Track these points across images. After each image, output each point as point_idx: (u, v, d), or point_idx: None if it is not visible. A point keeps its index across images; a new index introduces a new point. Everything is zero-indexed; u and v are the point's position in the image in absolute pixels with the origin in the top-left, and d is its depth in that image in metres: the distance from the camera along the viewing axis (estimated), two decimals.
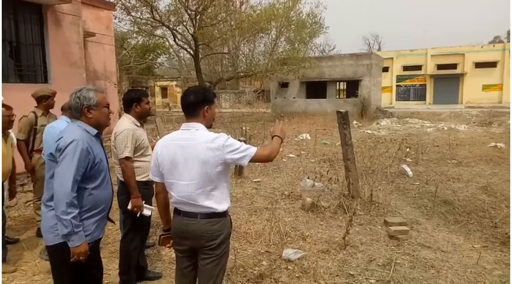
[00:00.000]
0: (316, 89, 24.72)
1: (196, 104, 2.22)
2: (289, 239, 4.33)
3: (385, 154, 8.51)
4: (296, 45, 21.05)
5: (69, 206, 2.06)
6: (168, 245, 2.39)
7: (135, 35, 21.46)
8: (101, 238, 2.43)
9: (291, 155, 9.98)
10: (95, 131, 2.29)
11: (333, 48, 51.66)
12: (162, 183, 2.27)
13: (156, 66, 30.43)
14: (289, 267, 3.65)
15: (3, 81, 5.27)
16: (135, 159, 3.13)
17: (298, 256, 3.80)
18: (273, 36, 20.68)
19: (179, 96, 21.67)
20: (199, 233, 2.18)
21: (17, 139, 4.16)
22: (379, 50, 52.71)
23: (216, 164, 2.13)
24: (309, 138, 13.50)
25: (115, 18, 17.31)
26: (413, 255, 3.88)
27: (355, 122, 18.75)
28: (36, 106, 4.29)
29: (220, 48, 21.87)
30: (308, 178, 6.72)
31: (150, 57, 24.26)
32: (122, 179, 3.17)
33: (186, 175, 2.15)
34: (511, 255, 3.86)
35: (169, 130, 12.89)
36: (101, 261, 2.50)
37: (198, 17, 17.98)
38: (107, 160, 2.41)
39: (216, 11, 18.40)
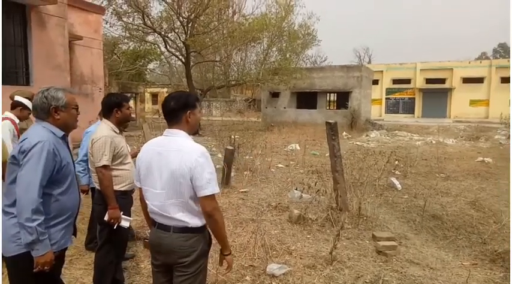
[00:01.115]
0: (306, 100, 24.76)
1: (178, 110, 2.11)
2: (274, 253, 4.18)
3: (374, 166, 8.44)
4: (288, 55, 21.11)
5: (34, 212, 1.92)
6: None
7: (126, 41, 21.33)
8: (67, 247, 2.29)
9: (280, 165, 9.87)
10: (61, 133, 2.16)
11: (325, 60, 52.16)
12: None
13: (146, 73, 30.20)
14: (273, 283, 3.51)
15: None
16: (114, 167, 2.97)
17: (282, 272, 3.66)
18: (265, 45, 20.71)
19: None
20: (171, 248, 2.05)
21: None
22: (369, 62, 53.36)
23: (186, 177, 2.00)
24: (299, 148, 13.44)
25: (106, 23, 17.17)
26: (401, 272, 3.77)
27: (344, 133, 18.77)
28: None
29: (212, 56, 21.81)
30: (296, 189, 6.60)
31: (140, 63, 24.07)
32: (98, 188, 3.00)
33: (159, 184, 2.04)
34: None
35: (157, 136, 12.68)
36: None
37: (190, 25, 17.91)
38: (74, 164, 2.28)
39: (209, 19, 18.37)
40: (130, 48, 22.84)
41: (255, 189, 7.09)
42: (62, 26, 5.83)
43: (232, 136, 9.38)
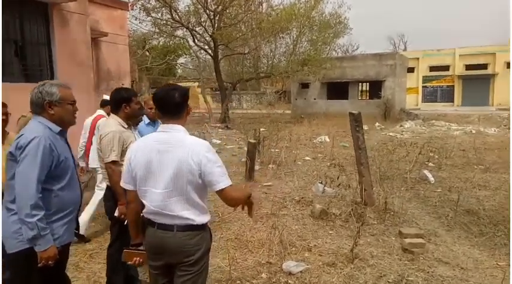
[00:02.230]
0: (337, 90, 24.16)
1: (183, 104, 2.03)
2: (293, 249, 4.05)
3: (405, 158, 8.06)
4: (319, 45, 20.65)
5: (33, 208, 1.92)
6: (131, 262, 2.14)
7: (156, 36, 21.65)
8: (70, 242, 2.30)
9: (307, 158, 9.65)
10: (57, 128, 2.13)
11: (357, 48, 50.74)
12: (134, 191, 2.06)
13: (177, 67, 30.60)
14: (289, 281, 3.38)
15: (7, 81, 5.25)
16: (122, 162, 2.93)
17: (300, 269, 3.52)
18: (294, 36, 20.33)
19: (200, 97, 21.60)
20: (175, 247, 1.97)
21: None
22: (404, 49, 51.22)
23: (194, 173, 1.91)
24: (328, 140, 13.12)
25: (135, 19, 17.47)
26: (428, 272, 3.52)
27: (377, 124, 18.18)
28: None
29: (241, 48, 21.67)
30: (321, 183, 6.39)
31: (170, 58, 24.38)
32: (108, 184, 2.98)
33: (162, 183, 1.94)
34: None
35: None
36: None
37: (217, 18, 17.87)
38: (74, 160, 2.25)
39: (235, 10, 18.23)
40: (161, 43, 23.18)
41: (279, 182, 6.95)
42: (84, 23, 5.92)
43: (257, 129, 9.21)
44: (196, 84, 37.59)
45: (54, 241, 2.06)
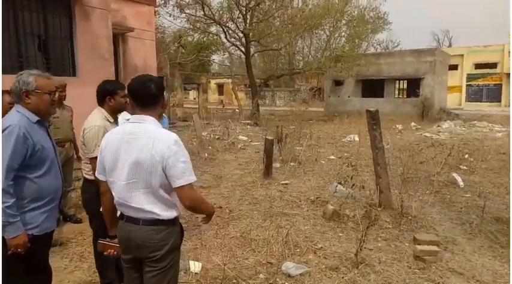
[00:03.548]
0: (373, 88, 23.39)
1: (158, 96, 1.99)
2: (298, 250, 3.91)
3: (434, 159, 7.62)
4: (355, 41, 20.06)
5: (3, 195, 1.94)
6: (107, 252, 2.15)
7: (191, 32, 21.96)
8: (53, 231, 2.32)
9: (332, 157, 9.38)
10: (35, 118, 2.15)
11: (397, 45, 48.75)
12: (106, 182, 2.04)
13: (210, 63, 30.92)
14: (286, 283, 3.25)
15: None
16: None
17: (299, 272, 3.38)
18: (327, 32, 19.89)
19: (236, 92, 21.65)
20: (140, 242, 1.93)
21: None
22: (449, 46, 48.77)
23: (156, 165, 1.86)
24: (357, 139, 12.71)
25: (169, 16, 17.77)
26: (438, 282, 3.27)
27: (413, 124, 17.42)
28: None
29: (274, 44, 21.51)
30: (340, 183, 6.16)
31: (204, 54, 24.67)
32: (87, 177, 2.95)
33: (126, 174, 1.91)
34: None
35: (206, 127, 12.90)
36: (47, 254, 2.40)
37: (249, 13, 17.82)
38: (55, 149, 2.28)
39: (268, 6, 18.08)
40: (195, 39, 23.48)
41: (297, 181, 6.79)
42: (105, 18, 6.06)
43: (280, 126, 9.06)
44: (230, 80, 37.98)
45: (33, 229, 2.10)
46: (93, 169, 2.87)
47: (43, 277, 2.28)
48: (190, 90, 35.93)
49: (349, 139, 13.01)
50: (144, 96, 1.97)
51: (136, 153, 1.88)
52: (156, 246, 1.92)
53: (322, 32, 21.14)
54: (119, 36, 8.76)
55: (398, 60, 22.63)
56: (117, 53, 8.63)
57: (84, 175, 3.01)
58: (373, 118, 4.76)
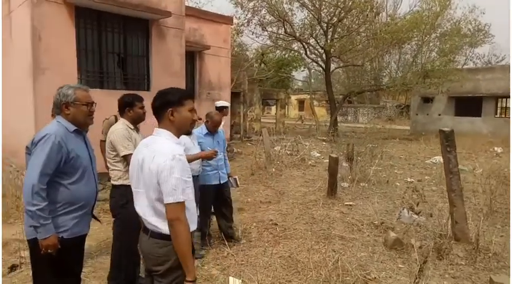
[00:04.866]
0: (468, 106, 21.15)
1: (159, 108, 1.99)
2: (347, 278, 3.59)
3: None
4: (448, 55, 18.52)
5: (34, 198, 2.07)
6: None
7: (273, 49, 22.43)
8: (84, 235, 2.43)
9: (410, 179, 8.63)
10: (72, 128, 2.30)
11: (502, 59, 43.73)
12: None
13: (290, 79, 31.13)
14: None
15: (111, 88, 5.99)
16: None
17: None
18: (414, 46, 18.68)
19: (313, 108, 21.44)
20: (146, 253, 1.96)
21: (100, 140, 4.58)
22: None
23: (151, 179, 1.87)
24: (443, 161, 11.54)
25: (252, 34, 18.37)
26: None
27: None
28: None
29: (356, 60, 20.90)
30: (411, 209, 5.59)
31: (285, 71, 24.96)
32: (113, 183, 3.19)
33: (138, 185, 1.96)
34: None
35: (279, 142, 12.84)
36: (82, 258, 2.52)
37: (330, 29, 17.60)
38: (91, 158, 2.40)
39: (351, 21, 17.65)
40: (276, 56, 23.90)
41: (363, 203, 6.34)
42: (180, 37, 6.46)
43: (351, 144, 8.63)
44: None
45: (63, 232, 2.21)
46: (128, 165, 3.05)
47: (71, 280, 2.37)
48: (273, 105, 36.56)
49: (433, 161, 11.87)
50: (153, 109, 2.03)
51: (144, 165, 1.91)
52: (157, 260, 1.90)
53: (410, 47, 19.94)
54: (196, 53, 9.27)
55: (499, 76, 20.20)
56: (194, 69, 9.13)
57: (112, 181, 3.24)
58: (447, 139, 4.23)
